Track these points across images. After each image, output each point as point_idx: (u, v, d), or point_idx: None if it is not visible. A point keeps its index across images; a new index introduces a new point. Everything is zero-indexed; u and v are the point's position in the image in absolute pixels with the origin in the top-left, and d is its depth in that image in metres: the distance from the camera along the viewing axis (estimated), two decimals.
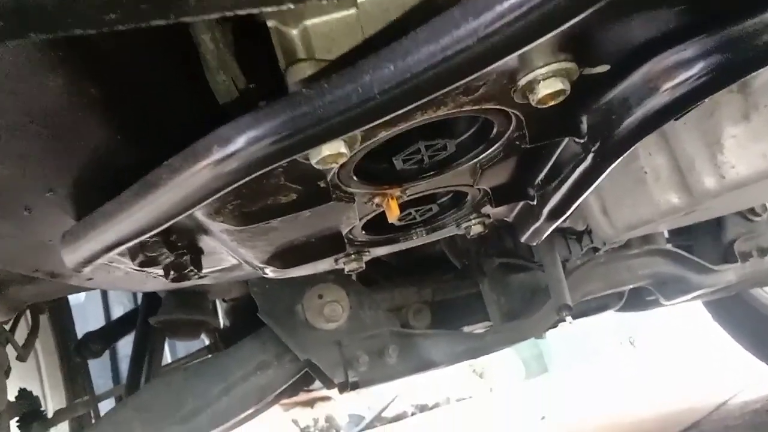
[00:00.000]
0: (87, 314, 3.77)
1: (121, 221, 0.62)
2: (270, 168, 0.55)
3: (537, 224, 1.06)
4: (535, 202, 0.99)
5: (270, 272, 1.02)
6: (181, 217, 0.60)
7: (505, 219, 1.17)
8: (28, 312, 2.26)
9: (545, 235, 1.12)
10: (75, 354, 2.66)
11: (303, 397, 5.25)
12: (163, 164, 0.57)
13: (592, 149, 0.78)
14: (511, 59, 0.57)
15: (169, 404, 1.96)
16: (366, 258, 1.11)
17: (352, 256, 1.08)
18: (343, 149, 0.60)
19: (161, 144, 0.59)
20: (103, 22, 0.41)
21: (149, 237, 0.67)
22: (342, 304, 1.98)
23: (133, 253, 0.78)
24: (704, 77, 0.68)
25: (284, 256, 0.95)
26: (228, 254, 0.94)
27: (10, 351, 2.08)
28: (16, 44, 0.42)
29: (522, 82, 0.62)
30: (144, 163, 0.60)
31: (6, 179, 0.60)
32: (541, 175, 0.93)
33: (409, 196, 0.88)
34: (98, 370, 3.47)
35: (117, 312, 3.80)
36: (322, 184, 0.73)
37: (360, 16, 0.54)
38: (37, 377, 2.84)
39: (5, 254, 0.77)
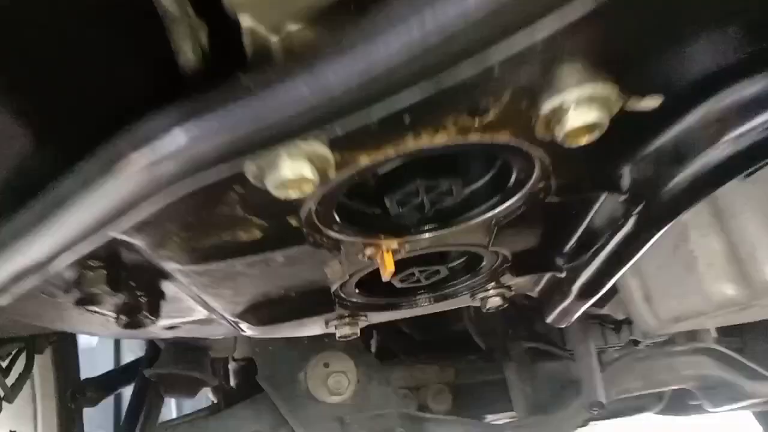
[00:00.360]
0: (96, 359, 3.65)
1: (29, 242, 0.49)
2: (196, 180, 0.41)
3: (565, 303, 0.90)
4: (563, 275, 0.83)
5: (246, 329, 0.87)
6: (93, 239, 0.47)
7: (529, 294, 1.00)
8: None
9: (574, 318, 0.95)
10: (70, 399, 2.55)
11: None
12: (69, 171, 0.44)
13: (635, 211, 0.63)
14: (529, 70, 0.43)
15: None
16: (362, 323, 0.95)
17: (346, 319, 0.92)
18: (309, 173, 0.46)
19: (84, 140, 0.46)
20: None
21: (72, 265, 0.54)
22: (349, 376, 1.82)
23: (66, 288, 0.64)
24: None
25: (259, 311, 0.81)
26: (194, 304, 0.80)
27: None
28: None
29: (546, 107, 0.47)
30: (61, 165, 0.47)
31: None
32: (572, 242, 0.77)
33: (409, 252, 0.73)
34: (100, 417, 3.33)
35: (129, 358, 3.67)
36: (294, 222, 0.59)
37: None
38: (32, 421, 2.72)
39: None
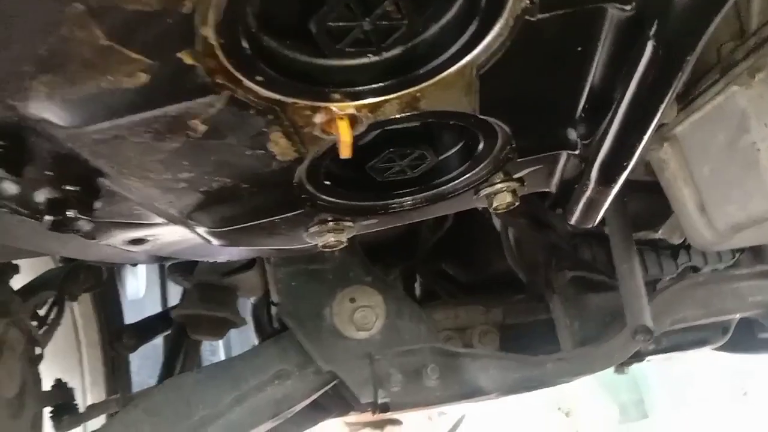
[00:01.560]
0: (145, 309, 3.69)
1: None
2: None
3: (587, 193, 0.73)
4: (579, 153, 0.66)
5: (209, 235, 0.75)
6: None
7: (547, 189, 0.83)
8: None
9: (601, 213, 0.78)
10: (109, 346, 2.56)
11: (371, 418, 5.03)
12: None
13: (651, 33, 0.46)
14: None
15: (179, 410, 1.75)
16: (348, 232, 0.81)
17: (328, 224, 0.78)
18: None
19: None
20: None
21: None
22: (377, 311, 1.71)
23: None
24: None
25: (211, 210, 0.68)
26: (137, 204, 0.68)
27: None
28: None
29: None
30: None
31: None
32: (583, 101, 0.60)
33: (375, 122, 0.58)
34: (151, 364, 3.36)
35: None
36: (187, 59, 0.44)
37: None
38: (78, 369, 2.77)
39: None
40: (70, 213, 0.63)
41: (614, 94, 0.56)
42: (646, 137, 0.58)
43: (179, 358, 2.41)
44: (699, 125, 1.07)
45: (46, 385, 1.95)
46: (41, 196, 0.62)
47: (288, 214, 0.72)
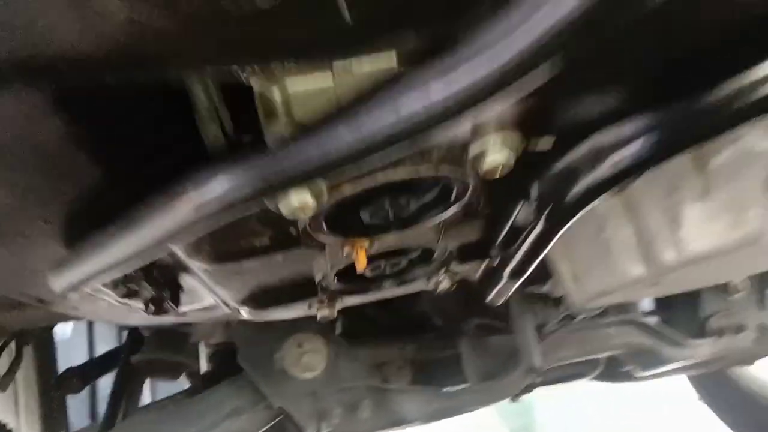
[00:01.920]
0: (71, 350, 3.77)
1: (104, 252, 0.68)
2: (235, 211, 0.62)
3: (499, 285, 1.13)
4: (496, 263, 1.06)
5: (245, 313, 1.08)
6: (157, 251, 0.67)
7: (471, 278, 1.23)
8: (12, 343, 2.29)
9: (507, 296, 1.18)
10: (55, 388, 2.67)
11: None
12: (144, 201, 0.64)
13: (544, 214, 0.86)
14: (460, 129, 0.65)
15: None
16: (338, 306, 1.17)
17: (325, 303, 1.14)
18: (310, 200, 0.67)
19: (150, 181, 0.67)
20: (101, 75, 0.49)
21: (129, 270, 0.74)
22: (320, 355, 2.02)
23: (115, 285, 0.84)
24: (644, 152, 0.77)
25: (258, 298, 1.01)
26: (206, 293, 1.01)
27: None
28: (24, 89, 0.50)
29: (472, 151, 0.70)
30: (132, 199, 0.67)
31: (7, 207, 0.67)
32: (501, 237, 1.00)
33: (378, 249, 0.95)
34: (76, 407, 3.45)
35: (101, 349, 3.80)
36: (293, 231, 0.80)
37: (336, 83, 0.62)
38: (14, 410, 2.82)
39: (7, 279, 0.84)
40: (165, 305, 0.95)
41: (520, 235, 0.95)
42: (538, 259, 0.98)
43: (123, 397, 2.58)
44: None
45: None
46: (147, 294, 0.94)
47: (308, 300, 1.07)
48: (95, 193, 0.68)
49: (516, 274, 1.06)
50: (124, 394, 2.58)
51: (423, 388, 2.07)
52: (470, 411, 2.11)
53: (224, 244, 0.78)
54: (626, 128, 0.76)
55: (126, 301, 0.93)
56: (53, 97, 0.53)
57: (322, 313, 1.15)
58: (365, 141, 0.55)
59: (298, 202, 0.66)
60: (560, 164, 0.80)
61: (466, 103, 0.53)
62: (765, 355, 2.64)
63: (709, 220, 1.35)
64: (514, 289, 1.13)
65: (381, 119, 0.55)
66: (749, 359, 2.66)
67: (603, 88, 0.71)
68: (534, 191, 0.83)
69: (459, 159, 0.72)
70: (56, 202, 0.69)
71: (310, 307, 1.15)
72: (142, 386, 2.66)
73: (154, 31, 0.45)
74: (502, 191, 0.84)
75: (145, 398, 3.94)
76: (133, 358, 2.17)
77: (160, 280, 0.90)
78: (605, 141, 0.77)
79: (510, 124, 0.69)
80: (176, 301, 0.95)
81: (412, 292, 1.28)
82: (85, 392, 3.35)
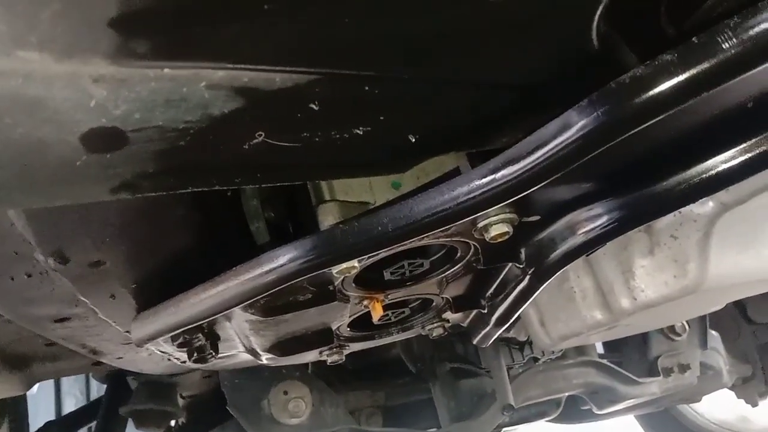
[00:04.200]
0: (38, 405, 3.75)
1: (189, 308, 0.85)
2: (303, 278, 0.80)
3: (486, 329, 1.32)
4: (485, 311, 1.26)
5: (266, 359, 1.24)
6: (233, 309, 0.84)
7: (461, 324, 1.42)
8: None
9: (493, 339, 1.37)
10: None
11: None
12: (231, 270, 0.82)
13: (529, 272, 1.06)
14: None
15: None
16: (346, 351, 1.34)
17: (335, 349, 1.31)
18: (356, 264, 0.86)
19: (215, 262, 0.84)
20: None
21: (201, 324, 0.90)
22: (305, 401, 2.15)
23: (176, 336, 0.99)
24: (609, 226, 0.98)
25: (283, 346, 1.18)
26: (239, 342, 1.16)
27: None
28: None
29: (480, 224, 0.90)
30: (200, 276, 0.84)
31: (110, 274, 0.83)
32: (491, 290, 1.20)
33: (389, 300, 1.13)
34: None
35: (68, 404, 3.80)
36: (331, 288, 0.98)
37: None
38: None
39: (76, 331, 0.98)
40: (206, 354, 1.10)
41: (507, 288, 1.16)
42: (522, 308, 1.19)
43: None
44: None
45: None
46: (197, 343, 1.09)
47: (322, 346, 1.24)
48: (177, 266, 0.85)
49: (501, 320, 1.25)
50: None
51: (403, 430, 2.22)
52: None
53: (277, 300, 0.95)
54: (595, 209, 0.98)
55: (169, 350, 1.08)
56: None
57: (333, 358, 1.31)
58: (417, 223, 0.74)
59: (347, 266, 0.85)
60: (544, 234, 1.01)
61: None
62: (708, 392, 2.88)
63: (656, 272, 1.57)
64: (499, 333, 1.33)
65: (423, 206, 0.75)
66: (695, 396, 2.90)
67: (579, 182, 0.93)
68: (522, 254, 1.03)
69: (468, 231, 0.92)
70: (149, 271, 0.86)
71: (321, 353, 1.31)
72: None
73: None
74: (495, 254, 1.03)
75: None
76: (121, 409, 2.25)
77: (205, 330, 1.06)
78: (579, 218, 0.98)
79: (508, 207, 0.89)
80: (216, 350, 1.10)
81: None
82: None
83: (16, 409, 2.88)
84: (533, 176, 0.70)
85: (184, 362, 1.15)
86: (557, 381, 2.35)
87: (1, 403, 2.35)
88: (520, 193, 0.71)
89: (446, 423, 2.35)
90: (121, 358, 1.16)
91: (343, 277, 0.96)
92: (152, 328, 0.88)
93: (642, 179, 0.93)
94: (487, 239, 0.90)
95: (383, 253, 0.90)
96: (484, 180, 0.72)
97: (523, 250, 1.03)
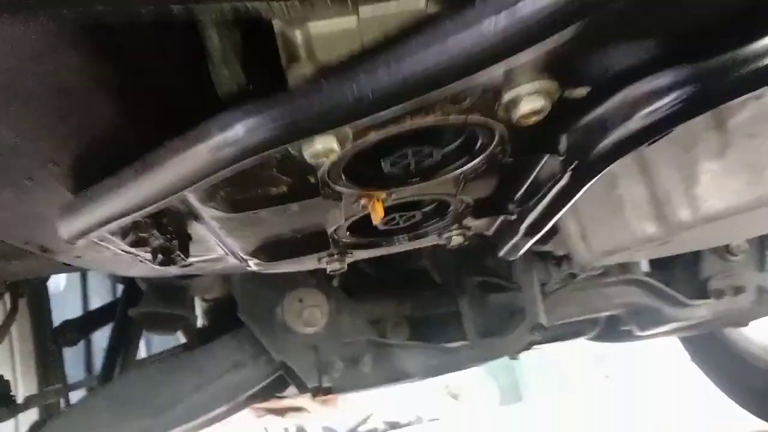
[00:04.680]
0: (65, 303, 3.76)
1: (119, 197, 0.65)
2: (263, 156, 0.58)
3: (514, 240, 1.11)
4: (513, 218, 1.03)
5: (254, 265, 1.05)
6: (175, 197, 0.64)
7: (485, 233, 1.21)
8: (6, 295, 2.28)
9: (522, 252, 1.16)
10: (51, 341, 2.67)
11: (276, 404, 5.23)
12: (164, 144, 0.61)
13: (570, 168, 0.83)
14: (495, 74, 0.61)
15: (141, 397, 1.98)
16: (348, 260, 1.14)
17: (335, 256, 1.11)
18: (335, 145, 0.64)
19: (162, 127, 0.63)
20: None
21: (142, 216, 0.71)
22: (321, 310, 2.01)
23: (124, 232, 0.81)
24: (675, 106, 0.73)
25: (269, 250, 0.98)
26: (216, 243, 0.98)
27: None
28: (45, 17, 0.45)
29: (506, 97, 0.66)
30: (144, 144, 0.63)
31: (14, 147, 0.63)
32: (521, 191, 0.97)
33: (394, 200, 0.91)
34: (71, 360, 3.47)
35: (95, 303, 3.80)
36: (312, 179, 0.77)
37: (360, 25, 0.58)
38: (10, 362, 2.82)
39: (8, 224, 0.80)
40: (173, 255, 0.92)
41: (541, 190, 0.92)
42: (558, 215, 0.96)
43: (120, 350, 2.59)
44: None
45: None
46: (155, 242, 0.91)
47: (319, 252, 1.04)
48: (108, 136, 0.65)
49: (532, 229, 1.03)
50: (121, 347, 2.58)
51: (424, 344, 2.07)
52: (471, 367, 2.12)
53: (241, 191, 0.74)
54: (660, 81, 0.72)
55: (133, 250, 0.90)
56: (75, 28, 0.49)
57: (333, 266, 1.12)
58: (407, 82, 0.51)
59: (323, 147, 0.63)
60: (591, 116, 0.76)
61: (521, 41, 0.50)
62: (761, 317, 2.65)
63: (726, 177, 1.32)
64: (530, 245, 1.11)
65: (426, 59, 0.52)
66: (744, 320, 2.68)
67: (639, 40, 0.68)
68: (562, 143, 0.80)
69: (490, 106, 0.68)
70: (67, 143, 0.65)
71: (320, 260, 1.12)
72: (138, 340, 2.66)
73: None
74: (527, 143, 0.80)
75: (141, 352, 3.96)
76: (130, 311, 2.15)
77: (169, 228, 0.87)
78: (639, 93, 0.74)
79: (546, 72, 0.65)
80: (185, 252, 0.92)
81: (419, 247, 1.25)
82: (80, 345, 3.36)
83: (38, 306, 2.85)
84: None
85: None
86: (596, 300, 2.14)
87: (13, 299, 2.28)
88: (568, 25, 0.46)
89: (473, 338, 2.20)
90: (80, 257, 0.99)
91: (325, 166, 0.74)
92: (80, 221, 0.69)
93: (722, 42, 0.67)
94: (516, 119, 0.67)
95: (371, 133, 0.68)
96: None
97: (563, 138, 0.80)
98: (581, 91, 0.71)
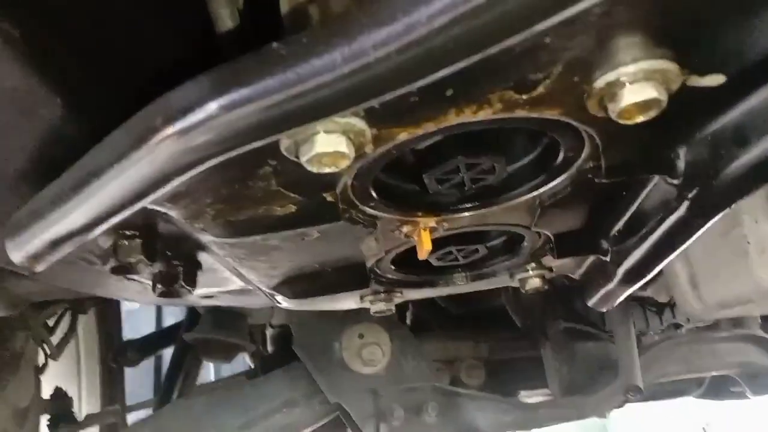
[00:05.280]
0: (139, 322, 3.75)
1: (59, 211, 0.48)
2: (234, 153, 0.40)
3: (609, 287, 0.87)
4: (608, 259, 0.80)
5: (281, 301, 0.87)
6: (130, 210, 0.46)
7: (571, 276, 0.97)
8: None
9: (618, 302, 0.91)
10: (112, 360, 2.63)
11: None
12: (103, 141, 0.43)
13: (689, 196, 0.59)
14: (583, 39, 0.40)
15: (184, 430, 1.85)
16: (397, 300, 0.93)
17: (381, 295, 0.91)
18: (345, 148, 0.44)
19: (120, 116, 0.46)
20: None
21: (109, 235, 0.54)
22: (383, 348, 1.82)
23: (103, 257, 0.64)
24: None
25: (294, 284, 0.80)
26: (230, 274, 0.80)
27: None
28: None
29: (600, 82, 0.44)
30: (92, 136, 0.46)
31: None
32: (619, 225, 0.73)
33: (448, 230, 0.70)
34: (140, 379, 3.44)
35: (169, 322, 3.77)
36: (330, 198, 0.57)
37: None
38: (76, 379, 2.81)
39: None
40: (176, 285, 0.74)
41: (647, 226, 0.69)
42: (666, 260, 0.72)
43: (181, 372, 2.50)
44: None
45: (46, 392, 2.03)
46: (156, 269, 0.74)
47: (357, 290, 0.85)
48: (41, 124, 0.48)
49: (633, 275, 0.79)
50: (182, 370, 2.50)
51: (498, 397, 1.82)
52: (550, 425, 1.86)
53: (235, 211, 0.56)
54: None
55: (128, 276, 0.74)
56: None
57: (377, 307, 0.92)
58: (421, 31, 0.31)
59: (328, 148, 0.43)
60: (725, 120, 0.53)
61: None
62: None
63: None
64: (627, 293, 0.86)
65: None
66: None
67: None
68: (680, 160, 0.56)
69: (577, 98, 0.47)
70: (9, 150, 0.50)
71: (362, 299, 0.92)
72: (200, 363, 2.56)
73: None
74: (630, 156, 0.58)
75: (210, 375, 3.90)
76: (186, 336, 2.05)
77: (167, 254, 0.71)
78: None
79: (663, 45, 0.43)
80: (191, 282, 0.75)
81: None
82: (150, 365, 3.33)
83: (106, 324, 2.84)
84: None
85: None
86: (704, 357, 1.85)
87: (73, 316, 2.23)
88: None
89: (556, 391, 1.95)
90: (81, 282, 0.84)
91: (344, 179, 0.55)
92: (28, 242, 0.53)
93: None
94: (615, 115, 0.45)
95: (400, 133, 0.47)
96: None
97: (682, 152, 0.56)
98: (713, 80, 0.48)
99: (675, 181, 0.58)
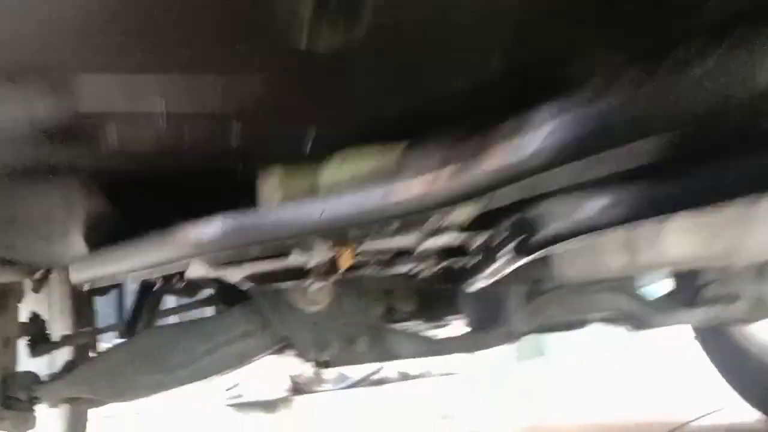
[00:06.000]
0: None
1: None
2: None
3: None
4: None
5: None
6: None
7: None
8: None
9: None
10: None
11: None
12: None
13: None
14: None
15: (158, 354, 2.13)
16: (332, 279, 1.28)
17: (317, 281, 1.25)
18: None
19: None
20: None
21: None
22: (326, 291, 2.13)
23: None
24: None
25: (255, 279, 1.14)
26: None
27: None
28: None
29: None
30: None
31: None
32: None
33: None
34: (106, 305, 3.66)
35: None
36: None
37: None
38: (47, 303, 2.99)
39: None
40: None
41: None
42: (504, 273, 1.09)
43: (145, 305, 2.77)
44: None
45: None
46: None
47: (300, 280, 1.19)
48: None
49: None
50: (146, 302, 2.76)
51: (414, 333, 2.20)
52: (454, 354, 2.24)
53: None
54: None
55: None
56: None
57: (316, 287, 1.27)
58: None
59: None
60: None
61: None
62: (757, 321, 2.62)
63: None
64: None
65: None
66: (742, 323, 2.66)
67: None
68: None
69: None
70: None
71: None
72: (160, 298, 2.82)
73: None
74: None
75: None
76: None
77: None
78: None
79: None
80: None
81: None
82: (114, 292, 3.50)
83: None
84: None
85: None
86: (583, 304, 2.24)
87: None
88: None
89: (468, 324, 2.32)
90: None
91: None
92: (89, 273, 0.85)
93: None
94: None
95: None
96: None
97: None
98: None
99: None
